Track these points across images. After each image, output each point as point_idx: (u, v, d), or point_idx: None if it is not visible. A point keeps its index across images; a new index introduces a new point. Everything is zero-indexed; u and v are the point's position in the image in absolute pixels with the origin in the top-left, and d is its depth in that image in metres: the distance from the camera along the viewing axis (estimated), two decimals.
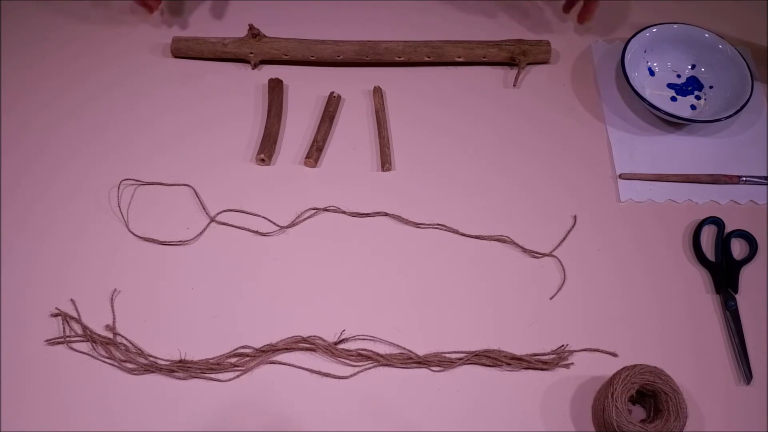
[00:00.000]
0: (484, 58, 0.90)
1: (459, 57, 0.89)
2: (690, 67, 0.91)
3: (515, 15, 0.96)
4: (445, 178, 0.82)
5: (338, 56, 0.88)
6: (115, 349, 0.70)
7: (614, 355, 0.72)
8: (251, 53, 0.88)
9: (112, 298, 0.73)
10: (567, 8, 0.93)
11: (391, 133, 0.85)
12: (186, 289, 0.74)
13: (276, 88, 0.86)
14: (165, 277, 0.75)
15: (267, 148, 0.81)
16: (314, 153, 0.82)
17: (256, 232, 0.78)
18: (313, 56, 0.88)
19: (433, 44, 0.89)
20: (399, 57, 0.88)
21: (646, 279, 0.76)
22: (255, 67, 0.89)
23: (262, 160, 0.81)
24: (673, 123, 0.87)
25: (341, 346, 0.71)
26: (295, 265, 0.76)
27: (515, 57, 0.89)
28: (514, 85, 0.89)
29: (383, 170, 0.82)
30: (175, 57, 0.90)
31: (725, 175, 0.83)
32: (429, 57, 0.89)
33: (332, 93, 0.87)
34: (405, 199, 0.80)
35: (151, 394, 0.68)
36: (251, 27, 0.87)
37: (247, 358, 0.70)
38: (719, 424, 0.69)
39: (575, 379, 0.70)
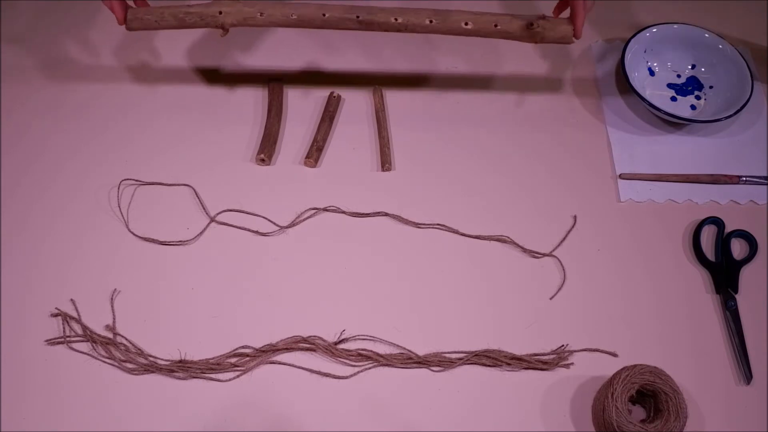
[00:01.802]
0: (497, 26, 0.77)
1: (467, 23, 0.77)
2: (690, 67, 0.91)
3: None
4: (445, 178, 0.82)
5: (324, 14, 0.77)
6: (115, 349, 0.70)
7: (614, 355, 0.72)
8: (220, 12, 0.76)
9: (112, 298, 0.73)
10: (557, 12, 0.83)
11: (391, 133, 0.85)
12: (186, 289, 0.74)
13: (276, 88, 0.86)
14: (165, 277, 0.75)
15: (267, 148, 0.81)
16: (314, 153, 0.82)
17: (256, 232, 0.78)
18: (294, 15, 0.77)
19: (437, 9, 0.78)
20: (396, 18, 0.77)
21: (646, 279, 0.76)
22: (226, 32, 0.78)
23: (262, 160, 0.81)
24: (673, 123, 0.87)
25: (341, 346, 0.71)
26: (295, 265, 0.76)
27: (534, 22, 0.76)
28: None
29: (383, 170, 0.82)
30: (132, 30, 0.78)
31: (725, 175, 0.83)
32: (431, 21, 0.77)
33: (332, 93, 0.87)
34: (405, 199, 0.80)
35: (151, 394, 0.68)
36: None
37: (247, 358, 0.70)
38: (719, 424, 0.69)
39: (575, 379, 0.70)
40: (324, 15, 0.77)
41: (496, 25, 0.78)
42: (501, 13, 0.79)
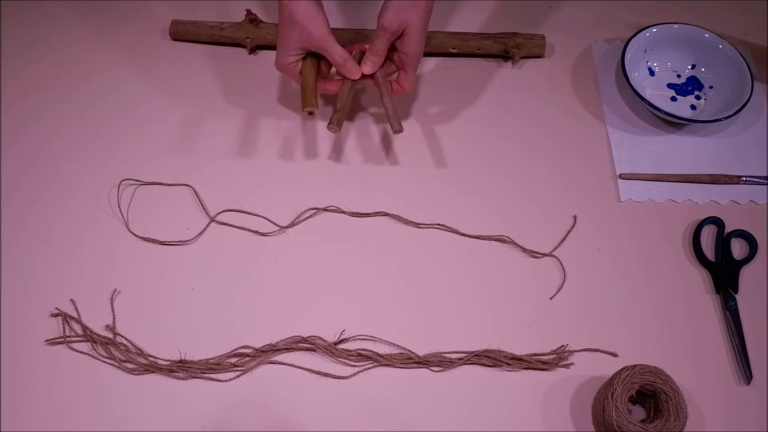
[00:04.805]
0: (478, 50, 0.89)
1: (453, 48, 0.89)
2: (690, 67, 0.91)
3: (515, 15, 0.96)
4: (445, 178, 0.82)
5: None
6: (115, 349, 0.70)
7: (614, 355, 0.72)
8: (248, 38, 0.88)
9: (112, 298, 0.73)
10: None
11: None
12: (186, 289, 0.74)
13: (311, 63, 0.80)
14: (165, 277, 0.75)
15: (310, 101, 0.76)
16: (337, 118, 0.77)
17: (256, 232, 0.78)
18: None
19: (427, 33, 0.83)
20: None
21: (646, 279, 0.76)
22: (252, 52, 0.90)
23: (310, 114, 0.77)
24: (673, 123, 0.87)
25: (341, 346, 0.71)
26: (295, 265, 0.76)
27: (509, 50, 0.89)
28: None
29: (394, 133, 0.78)
30: (174, 39, 0.91)
31: (725, 175, 0.83)
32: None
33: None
34: (405, 199, 0.80)
35: (151, 394, 0.68)
36: (248, 12, 0.87)
37: (247, 358, 0.70)
38: (719, 424, 0.69)
39: (575, 379, 0.70)
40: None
41: (478, 49, 0.89)
42: (483, 33, 0.90)
